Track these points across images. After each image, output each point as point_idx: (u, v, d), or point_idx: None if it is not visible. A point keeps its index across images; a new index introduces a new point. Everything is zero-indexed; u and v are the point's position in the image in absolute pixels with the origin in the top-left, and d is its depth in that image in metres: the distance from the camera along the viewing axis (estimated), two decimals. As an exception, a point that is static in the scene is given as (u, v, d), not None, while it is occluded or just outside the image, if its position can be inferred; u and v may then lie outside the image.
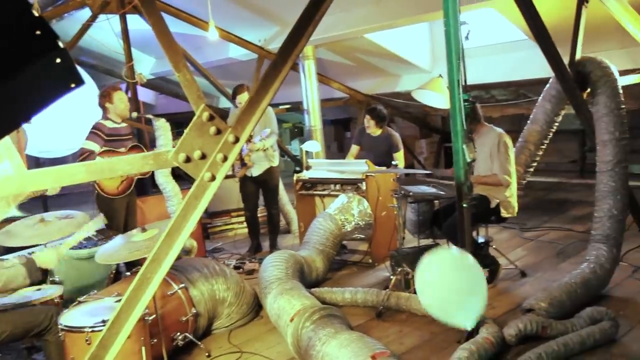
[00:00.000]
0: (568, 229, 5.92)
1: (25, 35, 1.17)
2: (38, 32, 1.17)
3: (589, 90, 4.74)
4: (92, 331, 2.65)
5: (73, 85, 1.24)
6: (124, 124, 4.76)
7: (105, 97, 4.63)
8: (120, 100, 4.66)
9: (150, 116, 4.90)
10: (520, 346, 3.28)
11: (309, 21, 2.39)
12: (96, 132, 4.53)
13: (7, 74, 1.16)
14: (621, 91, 4.50)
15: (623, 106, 4.45)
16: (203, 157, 2.06)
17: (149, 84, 8.81)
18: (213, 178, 2.10)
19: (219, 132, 2.12)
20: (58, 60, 1.22)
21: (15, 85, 1.17)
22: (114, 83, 5.86)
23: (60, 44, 1.21)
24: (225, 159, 2.12)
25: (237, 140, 2.16)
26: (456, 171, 3.23)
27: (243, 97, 5.40)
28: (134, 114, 4.70)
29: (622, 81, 4.69)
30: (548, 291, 3.72)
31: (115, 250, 3.09)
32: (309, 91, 7.47)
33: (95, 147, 4.47)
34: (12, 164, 2.70)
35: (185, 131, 2.03)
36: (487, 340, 3.15)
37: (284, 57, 2.31)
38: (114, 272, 4.12)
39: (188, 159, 2.04)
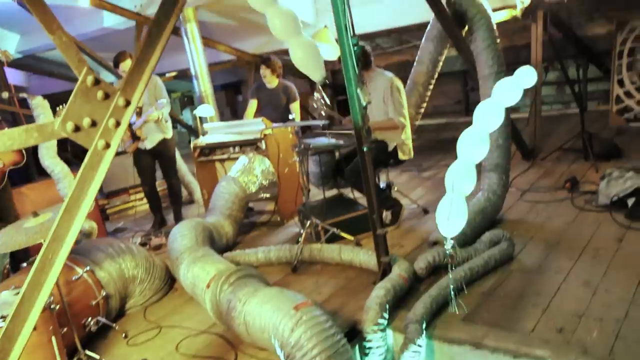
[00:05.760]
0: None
1: None
2: None
3: (466, 28, 4.95)
4: (-6, 328, 2.45)
5: None
6: None
7: None
8: None
9: (24, 95, 4.49)
10: (432, 277, 3.45)
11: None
12: None
13: None
14: (495, 27, 4.75)
15: (498, 41, 4.70)
16: (93, 124, 1.93)
17: (17, 64, 8.10)
18: (107, 146, 1.97)
19: (107, 96, 1.99)
20: None
21: None
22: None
23: None
24: (117, 124, 2.00)
25: (128, 103, 2.04)
26: (353, 116, 3.26)
27: (126, 65, 5.11)
28: (5, 94, 4.29)
29: (495, 18, 4.95)
30: (450, 223, 3.91)
31: (8, 238, 2.85)
32: (195, 56, 7.23)
33: None
34: None
35: (70, 98, 1.88)
36: (401, 277, 3.28)
37: (167, 11, 2.19)
38: (7, 267, 3.83)
39: (77, 128, 1.90)
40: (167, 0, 2.19)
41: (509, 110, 4.61)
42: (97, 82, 1.96)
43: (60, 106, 4.29)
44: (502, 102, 3.05)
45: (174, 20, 2.20)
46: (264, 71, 5.57)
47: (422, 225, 4.55)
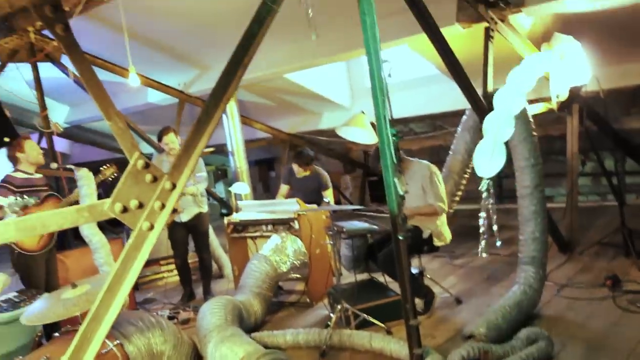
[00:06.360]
0: (495, 253, 6.13)
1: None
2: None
3: (503, 120, 4.99)
4: (22, 403, 2.44)
5: (7, 140, 1.17)
6: (38, 175, 4.53)
7: (15, 148, 4.41)
8: (32, 148, 4.46)
9: (71, 166, 4.66)
10: (465, 373, 3.32)
11: (238, 65, 2.39)
12: (5, 185, 4.30)
13: None
14: (532, 119, 4.79)
15: (535, 133, 4.73)
16: (140, 206, 1.99)
17: (63, 133, 8.48)
18: (152, 227, 2.02)
19: (155, 179, 2.06)
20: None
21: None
22: (22, 133, 5.60)
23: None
24: (163, 206, 2.05)
25: (174, 187, 2.10)
26: (389, 204, 3.27)
27: (170, 138, 5.30)
28: (54, 165, 4.46)
29: (531, 110, 5.00)
30: (485, 316, 3.82)
31: (46, 309, 2.87)
32: (233, 133, 7.45)
33: (4, 201, 4.20)
34: None
35: (121, 180, 1.95)
36: (433, 370, 3.17)
37: (216, 100, 2.29)
38: (39, 334, 3.83)
39: (125, 209, 1.96)
40: (216, 90, 2.29)
41: (545, 202, 4.59)
42: (146, 165, 2.03)
43: (104, 166, 4.49)
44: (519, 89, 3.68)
45: (222, 109, 2.30)
46: (296, 168, 5.75)
47: (455, 316, 4.43)
